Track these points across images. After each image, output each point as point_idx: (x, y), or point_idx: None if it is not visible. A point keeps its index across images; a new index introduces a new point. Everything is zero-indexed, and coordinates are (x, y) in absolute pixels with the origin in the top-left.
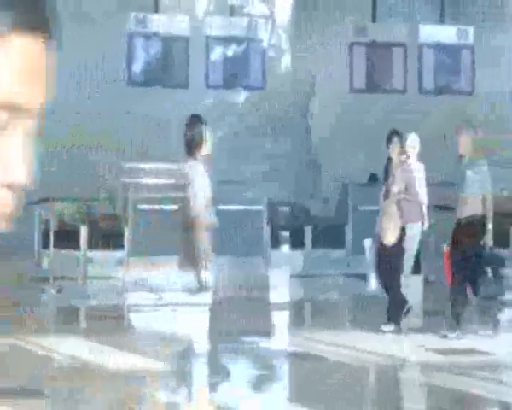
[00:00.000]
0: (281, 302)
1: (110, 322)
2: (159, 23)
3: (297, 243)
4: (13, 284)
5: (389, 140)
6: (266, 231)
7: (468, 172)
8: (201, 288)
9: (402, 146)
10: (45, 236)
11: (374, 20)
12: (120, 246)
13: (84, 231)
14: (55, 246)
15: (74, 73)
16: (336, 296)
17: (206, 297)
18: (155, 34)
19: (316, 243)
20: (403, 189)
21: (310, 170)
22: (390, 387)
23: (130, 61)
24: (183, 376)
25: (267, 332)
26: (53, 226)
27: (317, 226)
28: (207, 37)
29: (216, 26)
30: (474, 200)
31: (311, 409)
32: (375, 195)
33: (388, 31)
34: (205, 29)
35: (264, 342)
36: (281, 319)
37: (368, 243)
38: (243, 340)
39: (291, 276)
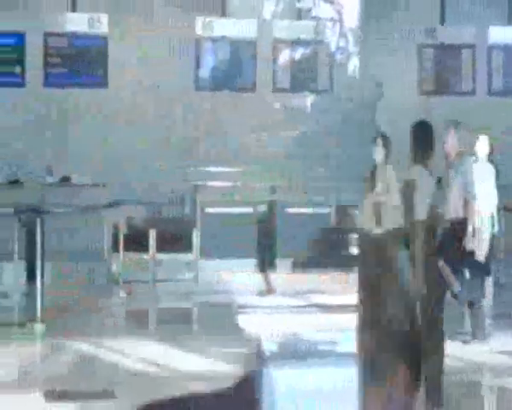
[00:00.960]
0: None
1: (180, 325)
2: (226, 27)
3: None
4: (83, 288)
5: (375, 143)
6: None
7: (452, 173)
8: (270, 290)
9: (387, 150)
10: (115, 239)
11: (442, 22)
12: (189, 249)
13: (153, 234)
14: (124, 249)
15: (142, 78)
16: None
17: (276, 300)
18: (223, 38)
19: None
20: None
21: None
22: (469, 391)
23: (197, 65)
24: (252, 378)
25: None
26: (122, 230)
27: None
28: (275, 40)
29: (283, 30)
30: (458, 202)
31: None
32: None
33: (457, 33)
34: (272, 32)
35: (331, 347)
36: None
37: None
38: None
39: None
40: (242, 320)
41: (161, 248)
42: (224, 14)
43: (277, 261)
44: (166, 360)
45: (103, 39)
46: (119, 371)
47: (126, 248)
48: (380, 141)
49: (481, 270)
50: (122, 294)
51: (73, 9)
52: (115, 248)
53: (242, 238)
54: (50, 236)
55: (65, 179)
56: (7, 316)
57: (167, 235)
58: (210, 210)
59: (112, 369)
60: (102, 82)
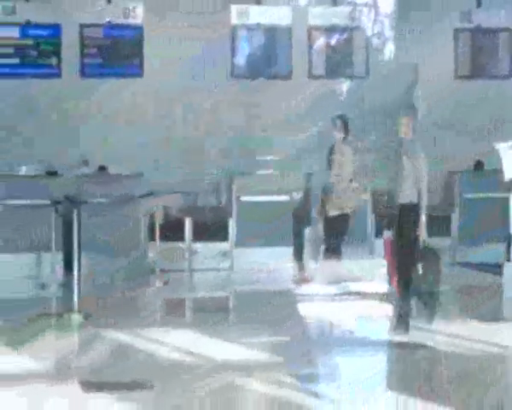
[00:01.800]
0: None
1: (217, 313)
2: (261, 14)
3: None
4: (120, 278)
5: (333, 124)
6: (371, 219)
7: (405, 157)
8: (306, 279)
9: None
10: (151, 228)
11: (478, 5)
12: (225, 238)
13: (188, 224)
14: (160, 238)
15: (178, 67)
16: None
17: (313, 288)
18: (258, 26)
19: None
20: None
21: None
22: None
23: (233, 53)
24: (290, 367)
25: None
26: (158, 219)
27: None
28: (310, 27)
29: (318, 16)
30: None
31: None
32: (483, 182)
33: (493, 16)
34: (307, 19)
35: (375, 333)
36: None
37: None
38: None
39: None
40: (280, 309)
41: (197, 237)
42: (258, 1)
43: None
44: (203, 350)
45: (139, 29)
46: (157, 362)
47: (162, 238)
48: (338, 122)
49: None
50: (158, 283)
51: (109, 0)
52: (151, 237)
53: (278, 227)
54: (87, 226)
55: (101, 169)
56: (45, 307)
57: (203, 224)
58: (246, 198)
59: (149, 359)
60: (138, 72)
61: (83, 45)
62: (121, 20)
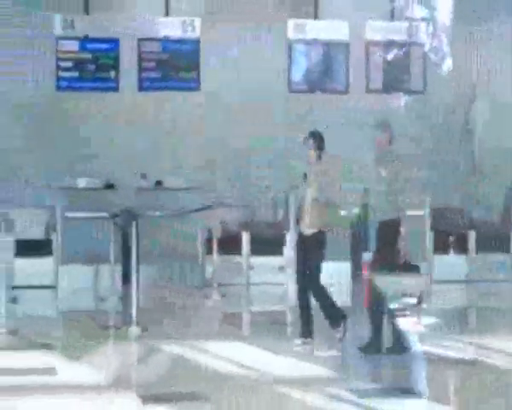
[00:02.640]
0: (441, 308)
1: (273, 327)
2: (319, 29)
3: (460, 248)
4: (177, 291)
5: (305, 143)
6: (429, 236)
7: (383, 173)
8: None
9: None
10: (208, 242)
11: None
12: (281, 253)
13: (246, 238)
14: (218, 252)
15: (235, 82)
16: (501, 303)
17: None
18: (315, 40)
19: (479, 249)
20: None
21: (472, 176)
22: None
23: (290, 67)
24: (346, 382)
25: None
26: (216, 233)
27: (481, 232)
28: (367, 41)
29: (376, 31)
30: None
31: None
32: None
33: None
34: (365, 34)
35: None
36: (443, 324)
37: None
38: None
39: (454, 281)
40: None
41: (255, 251)
42: (316, 16)
43: None
44: (260, 364)
45: (196, 43)
46: (213, 374)
47: (220, 251)
48: (310, 141)
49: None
50: (216, 296)
51: (166, 14)
52: (209, 251)
53: (336, 241)
54: (145, 239)
55: (158, 183)
56: (103, 319)
57: (260, 238)
58: None
59: (205, 371)
60: (195, 85)
61: (140, 59)
62: (179, 34)
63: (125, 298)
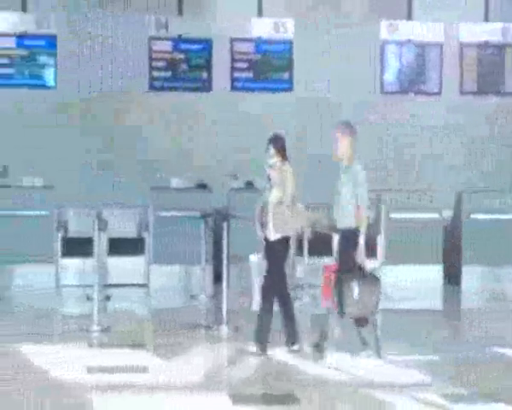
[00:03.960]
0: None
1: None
2: (412, 30)
3: None
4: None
5: (266, 150)
6: None
7: (344, 179)
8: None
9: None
10: (299, 243)
11: None
12: (373, 255)
13: (336, 240)
14: (308, 253)
15: (328, 82)
16: None
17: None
18: (408, 41)
19: None
20: None
21: None
22: None
23: (382, 68)
24: (439, 387)
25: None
26: (306, 235)
27: None
28: (461, 43)
29: (470, 32)
30: (349, 210)
31: None
32: None
33: None
34: (459, 35)
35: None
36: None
37: None
38: (491, 350)
39: None
40: (427, 327)
41: None
42: (410, 16)
43: (463, 269)
44: (349, 367)
45: (289, 44)
46: (303, 376)
47: (310, 253)
48: (270, 147)
49: (372, 282)
50: (305, 298)
51: (259, 14)
52: (299, 252)
53: (428, 244)
54: (236, 239)
55: (249, 184)
56: (195, 318)
57: None
58: (395, 215)
59: (295, 373)
60: (288, 86)
61: (233, 59)
62: (272, 35)
63: (215, 297)
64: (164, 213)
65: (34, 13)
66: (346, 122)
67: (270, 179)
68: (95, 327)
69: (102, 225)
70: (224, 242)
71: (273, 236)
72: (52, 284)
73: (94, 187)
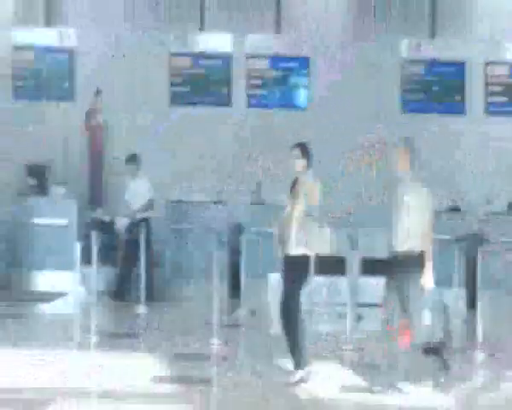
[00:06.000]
0: None
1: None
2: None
3: None
4: None
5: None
6: None
7: (407, 198)
8: None
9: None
10: None
11: None
12: None
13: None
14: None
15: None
16: None
17: None
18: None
19: None
20: None
21: None
22: None
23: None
24: None
25: None
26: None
27: None
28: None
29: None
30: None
31: None
32: None
33: None
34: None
35: None
36: None
37: None
38: None
39: None
40: None
41: None
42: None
43: None
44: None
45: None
46: None
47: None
48: (296, 150)
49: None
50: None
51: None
52: None
53: None
54: (489, 264)
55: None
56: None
57: None
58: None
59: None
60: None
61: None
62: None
63: (468, 322)
64: None
65: None
66: (405, 138)
67: (293, 188)
68: (347, 346)
69: (354, 244)
70: (478, 267)
71: (294, 250)
72: None
73: None
